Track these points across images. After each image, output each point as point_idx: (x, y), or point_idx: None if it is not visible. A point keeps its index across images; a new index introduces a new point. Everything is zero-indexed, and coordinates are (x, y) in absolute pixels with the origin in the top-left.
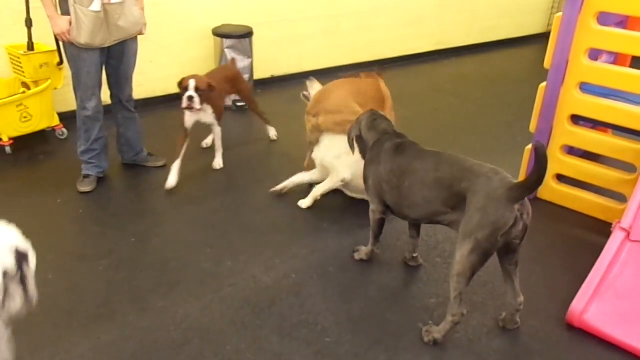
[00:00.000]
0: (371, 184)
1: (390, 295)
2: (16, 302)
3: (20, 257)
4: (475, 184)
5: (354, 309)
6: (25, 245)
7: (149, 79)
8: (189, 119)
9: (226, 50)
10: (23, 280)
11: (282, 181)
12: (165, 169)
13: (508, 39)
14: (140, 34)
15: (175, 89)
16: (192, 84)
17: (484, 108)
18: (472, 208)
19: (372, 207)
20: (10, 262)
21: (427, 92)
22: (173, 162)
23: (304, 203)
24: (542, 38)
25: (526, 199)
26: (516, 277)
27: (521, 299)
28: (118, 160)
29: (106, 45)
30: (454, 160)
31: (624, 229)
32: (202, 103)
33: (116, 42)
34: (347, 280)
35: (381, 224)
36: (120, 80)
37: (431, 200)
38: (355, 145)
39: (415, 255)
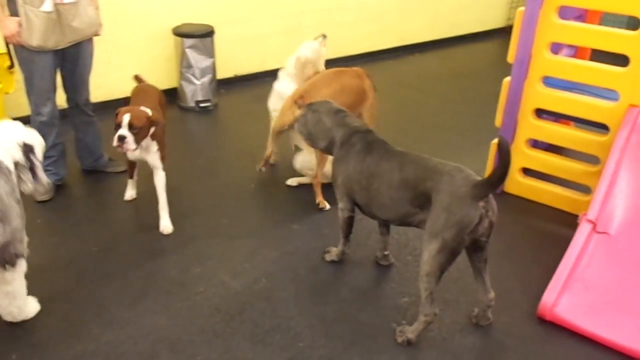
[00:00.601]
0: (340, 183)
1: (363, 296)
2: (28, 186)
3: (28, 149)
4: (439, 182)
5: (327, 312)
6: (32, 139)
7: (107, 81)
8: (130, 154)
9: (187, 50)
10: (32, 168)
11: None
12: (126, 174)
13: (470, 33)
14: (96, 34)
15: None
16: (125, 119)
17: (448, 103)
18: (437, 207)
19: (340, 205)
20: (19, 155)
21: (392, 88)
22: (142, 165)
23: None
24: (503, 32)
25: (490, 195)
26: (486, 273)
27: (492, 295)
28: (77, 167)
29: (60, 47)
30: (418, 160)
31: (590, 221)
32: (138, 142)
33: (70, 43)
34: (318, 283)
35: (350, 222)
36: (76, 83)
37: (398, 201)
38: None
39: (386, 253)
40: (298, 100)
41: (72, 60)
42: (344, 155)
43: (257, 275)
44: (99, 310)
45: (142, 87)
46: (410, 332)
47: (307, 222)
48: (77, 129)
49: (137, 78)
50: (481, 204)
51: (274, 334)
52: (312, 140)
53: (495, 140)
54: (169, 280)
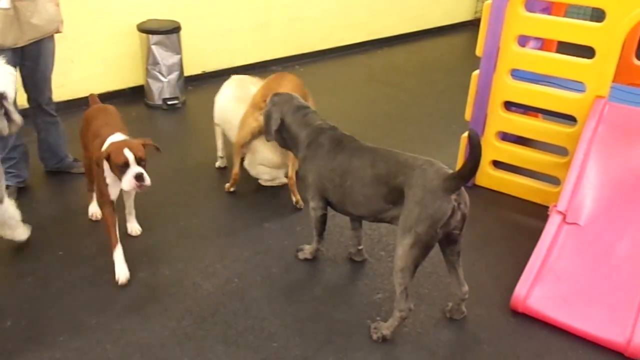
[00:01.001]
0: (311, 182)
1: (337, 294)
2: (3, 122)
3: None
4: (411, 177)
5: (301, 311)
6: (3, 86)
7: (71, 79)
8: (114, 189)
9: (153, 47)
10: (6, 113)
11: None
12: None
13: (437, 27)
14: (57, 32)
15: (101, 88)
16: (131, 156)
17: (418, 97)
18: (410, 202)
19: (312, 204)
20: None
21: (362, 83)
22: None
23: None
24: (469, 25)
25: (462, 188)
26: (459, 267)
27: (466, 288)
28: (40, 168)
29: (19, 46)
30: (389, 155)
31: (560, 212)
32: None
33: (30, 41)
34: (292, 281)
35: (323, 220)
36: (37, 82)
37: (372, 197)
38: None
39: (360, 248)
40: (263, 103)
41: (33, 58)
42: (313, 154)
43: (229, 275)
44: (66, 316)
45: (100, 108)
46: (385, 328)
47: (280, 220)
48: (39, 129)
49: (92, 99)
50: (453, 196)
51: (247, 335)
52: (271, 136)
53: (466, 134)
54: (139, 283)
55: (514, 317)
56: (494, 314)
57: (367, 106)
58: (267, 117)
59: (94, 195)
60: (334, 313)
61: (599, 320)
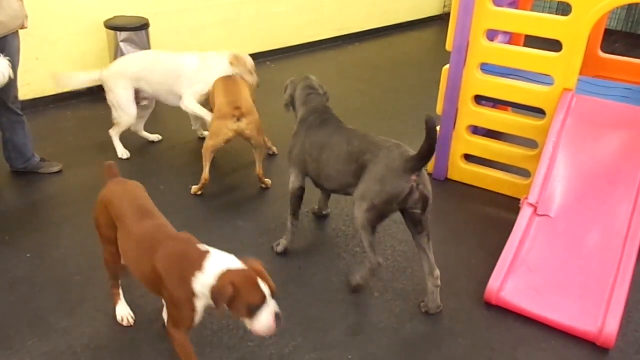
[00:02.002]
0: (295, 154)
1: (312, 290)
2: None
3: None
4: (377, 155)
5: None
6: None
7: (36, 77)
8: (200, 315)
9: (121, 43)
10: None
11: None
12: (61, 174)
13: (407, 21)
14: (22, 27)
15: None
16: (267, 290)
17: (389, 92)
18: (372, 177)
19: (291, 178)
20: None
21: (333, 79)
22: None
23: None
24: (438, 20)
25: (424, 171)
26: (429, 250)
27: (437, 272)
28: (6, 169)
29: None
30: (364, 135)
31: (531, 204)
32: None
33: None
34: None
35: (300, 195)
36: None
37: (343, 172)
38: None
39: (325, 212)
40: (235, 111)
41: None
42: (301, 130)
43: None
44: (35, 320)
45: (126, 187)
46: (359, 277)
47: (253, 218)
48: (4, 128)
49: (110, 169)
50: (413, 177)
51: (222, 334)
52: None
53: (437, 129)
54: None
55: (487, 309)
56: (468, 307)
57: (339, 102)
58: (286, 91)
59: (120, 293)
60: (309, 310)
61: (571, 310)
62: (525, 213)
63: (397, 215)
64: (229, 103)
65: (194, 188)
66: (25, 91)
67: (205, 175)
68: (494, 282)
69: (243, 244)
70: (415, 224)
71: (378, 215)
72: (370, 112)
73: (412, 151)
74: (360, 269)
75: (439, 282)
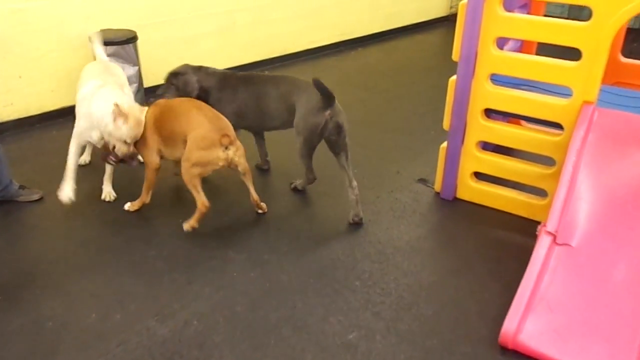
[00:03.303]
0: (231, 112)
1: (307, 335)
2: None
3: None
4: (300, 98)
5: (268, 357)
6: None
7: (20, 96)
8: None
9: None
10: None
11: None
12: (42, 202)
13: (412, 24)
14: None
15: (54, 105)
16: None
17: (394, 100)
18: (299, 115)
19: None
20: None
21: (334, 88)
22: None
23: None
24: (445, 21)
25: (337, 106)
26: (349, 168)
27: (355, 183)
28: None
29: None
30: (290, 79)
31: (549, 233)
32: None
33: None
34: (258, 320)
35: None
36: None
37: (281, 111)
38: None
39: (267, 159)
40: (224, 139)
41: None
42: (223, 95)
43: (187, 317)
44: None
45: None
46: (299, 185)
47: (245, 248)
48: None
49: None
50: (327, 112)
51: None
52: (187, 96)
53: (444, 144)
54: (85, 331)
55: (503, 354)
56: (481, 351)
57: None
58: (185, 85)
59: None
60: (304, 357)
61: (598, 356)
62: (543, 243)
63: (401, 242)
64: (215, 130)
65: (190, 224)
66: (9, 112)
67: (203, 201)
68: (510, 324)
69: (233, 279)
70: (334, 147)
71: (310, 144)
72: (373, 124)
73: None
74: (302, 179)
75: (357, 191)
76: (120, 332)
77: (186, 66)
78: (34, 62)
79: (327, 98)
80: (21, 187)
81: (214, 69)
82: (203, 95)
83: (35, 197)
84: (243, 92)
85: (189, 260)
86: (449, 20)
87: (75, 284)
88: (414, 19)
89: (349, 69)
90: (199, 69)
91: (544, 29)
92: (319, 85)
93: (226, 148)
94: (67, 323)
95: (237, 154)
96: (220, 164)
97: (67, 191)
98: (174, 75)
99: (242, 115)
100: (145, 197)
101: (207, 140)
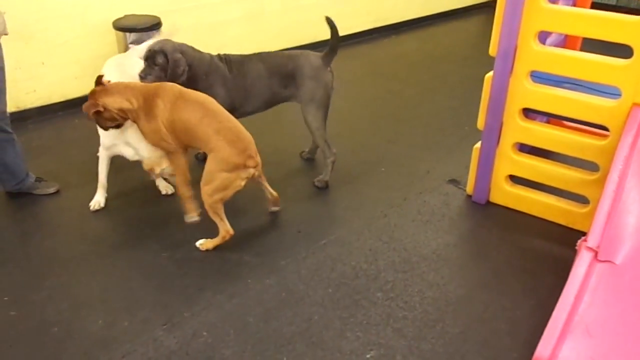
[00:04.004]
0: (224, 95)
1: (322, 351)
2: None
3: None
4: (299, 61)
5: None
6: None
7: (43, 83)
8: None
9: (131, 45)
10: None
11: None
12: (58, 196)
13: (450, 10)
14: (4, 34)
15: (78, 92)
16: None
17: (427, 93)
18: (305, 79)
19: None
20: None
21: (365, 78)
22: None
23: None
24: (486, 8)
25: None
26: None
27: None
28: None
29: None
30: (273, 54)
31: (590, 249)
32: None
33: None
34: (270, 334)
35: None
36: None
37: (270, 85)
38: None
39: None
40: (250, 161)
41: None
42: (216, 80)
43: (197, 327)
44: None
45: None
46: (324, 176)
47: (262, 252)
48: None
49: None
50: (329, 68)
51: None
52: (173, 80)
53: (478, 145)
54: (90, 339)
55: None
56: None
57: (369, 105)
58: (175, 66)
59: None
60: None
61: None
62: (583, 260)
63: (428, 250)
64: (239, 153)
65: (204, 245)
66: (32, 99)
67: (228, 229)
68: (543, 349)
69: (247, 286)
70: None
71: (324, 109)
72: (404, 119)
73: (317, 53)
74: (324, 172)
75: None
76: (127, 342)
77: (168, 42)
78: (58, 49)
79: (331, 50)
80: (38, 179)
81: (192, 47)
82: (191, 82)
83: (52, 190)
84: (232, 75)
85: (202, 264)
86: (489, 7)
87: (84, 286)
88: (452, 5)
89: (381, 58)
90: (186, 47)
91: (592, 23)
92: (330, 22)
93: (252, 162)
94: (73, 330)
95: (257, 168)
96: (241, 185)
97: (97, 198)
98: (157, 53)
99: (232, 102)
100: (184, 192)
101: (230, 164)
